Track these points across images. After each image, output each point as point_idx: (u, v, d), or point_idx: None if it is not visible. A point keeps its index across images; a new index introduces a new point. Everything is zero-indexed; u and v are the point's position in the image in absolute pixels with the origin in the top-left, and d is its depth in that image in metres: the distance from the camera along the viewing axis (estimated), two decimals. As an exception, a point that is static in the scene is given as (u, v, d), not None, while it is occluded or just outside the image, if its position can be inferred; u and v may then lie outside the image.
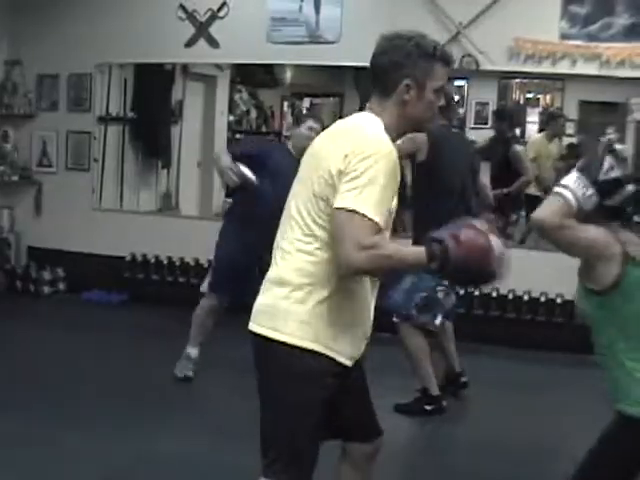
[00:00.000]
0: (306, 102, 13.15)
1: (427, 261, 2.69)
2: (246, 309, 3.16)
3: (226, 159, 6.05)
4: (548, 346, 7.20)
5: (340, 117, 10.25)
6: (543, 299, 7.45)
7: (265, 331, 2.95)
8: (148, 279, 8.61)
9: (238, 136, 11.64)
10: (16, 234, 9.13)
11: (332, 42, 7.85)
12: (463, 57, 7.43)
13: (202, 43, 8.27)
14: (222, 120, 10.89)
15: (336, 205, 2.70)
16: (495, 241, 2.70)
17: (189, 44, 8.30)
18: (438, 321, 5.72)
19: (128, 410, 5.62)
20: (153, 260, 8.60)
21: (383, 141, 2.79)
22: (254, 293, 3.08)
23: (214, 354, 6.66)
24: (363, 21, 7.75)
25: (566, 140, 9.60)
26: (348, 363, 2.94)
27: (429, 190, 5.69)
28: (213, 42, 8.23)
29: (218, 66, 10.03)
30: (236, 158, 6.07)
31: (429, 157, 5.61)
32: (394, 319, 5.77)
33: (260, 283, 3.04)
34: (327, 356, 2.88)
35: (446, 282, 5.42)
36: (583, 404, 5.86)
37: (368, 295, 2.97)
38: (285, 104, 12.94)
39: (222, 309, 6.43)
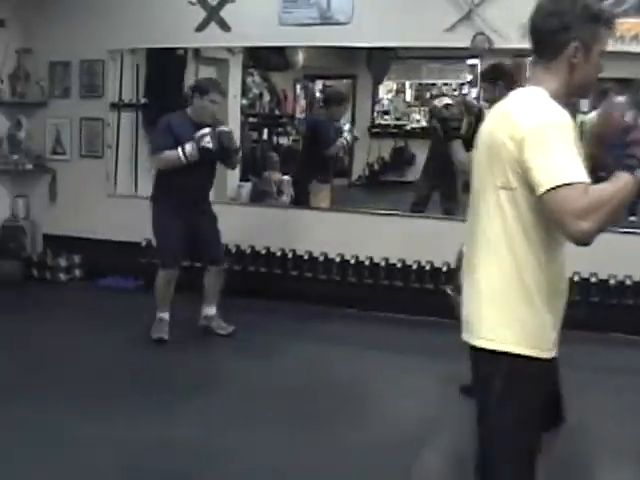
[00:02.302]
0: (319, 84, 13.17)
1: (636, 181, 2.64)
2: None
3: (176, 151, 6.59)
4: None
5: (353, 98, 10.22)
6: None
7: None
8: (163, 265, 8.59)
9: (251, 120, 11.65)
10: (31, 222, 9.15)
11: (344, 23, 7.79)
12: (476, 36, 7.37)
13: (213, 27, 8.23)
14: (235, 104, 10.86)
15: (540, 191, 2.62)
16: None
17: (200, 28, 8.27)
18: None
19: (143, 396, 5.63)
20: (168, 245, 8.58)
21: (546, 112, 2.71)
22: None
23: (232, 339, 6.67)
24: (375, 2, 7.72)
25: (580, 117, 9.53)
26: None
27: None
28: (224, 25, 8.19)
29: (230, 50, 10.00)
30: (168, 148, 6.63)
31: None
32: (448, 291, 5.77)
33: None
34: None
35: None
36: None
37: None
38: (298, 87, 12.95)
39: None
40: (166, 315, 6.94)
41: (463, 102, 9.48)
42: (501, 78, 5.71)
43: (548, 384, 2.88)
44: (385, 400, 5.98)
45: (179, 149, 6.54)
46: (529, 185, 2.65)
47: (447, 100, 6.38)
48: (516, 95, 2.87)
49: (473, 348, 2.85)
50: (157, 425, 5.11)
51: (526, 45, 6.75)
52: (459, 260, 5.64)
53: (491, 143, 2.79)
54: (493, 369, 2.80)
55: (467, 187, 3.00)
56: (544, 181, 2.59)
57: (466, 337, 2.89)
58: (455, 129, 5.62)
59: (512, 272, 2.76)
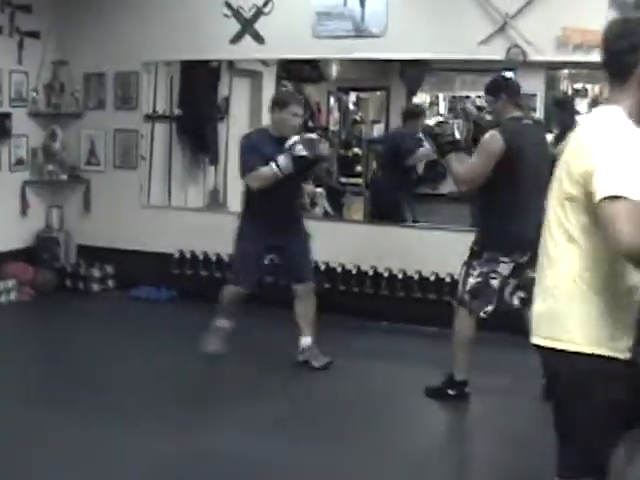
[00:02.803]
0: (352, 96, 13.13)
1: None
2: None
3: (269, 167, 6.27)
4: None
5: (387, 110, 10.18)
6: None
7: None
8: (196, 276, 8.61)
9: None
10: (65, 232, 9.19)
11: (378, 36, 7.79)
12: (510, 48, 7.35)
13: (247, 39, 8.27)
14: (269, 116, 10.87)
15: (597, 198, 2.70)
16: None
17: (234, 40, 8.29)
18: (490, 309, 5.67)
19: (173, 407, 5.66)
20: (201, 257, 8.60)
21: (614, 133, 2.79)
22: None
23: (266, 350, 6.66)
24: (409, 14, 7.72)
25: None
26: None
27: (508, 188, 5.54)
28: (258, 38, 8.21)
29: (264, 62, 10.01)
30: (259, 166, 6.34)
31: (506, 155, 5.46)
32: (453, 303, 5.87)
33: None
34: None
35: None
36: None
37: None
38: (331, 99, 12.92)
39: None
40: (225, 323, 6.65)
41: (462, 108, 9.51)
42: (502, 92, 5.70)
43: (627, 384, 2.90)
44: (424, 412, 5.97)
45: (272, 164, 6.23)
46: (591, 194, 2.73)
47: (439, 118, 6.46)
48: (593, 116, 2.99)
49: (545, 348, 2.95)
50: (192, 437, 5.11)
51: (560, 58, 6.77)
52: None
53: (565, 160, 2.93)
54: (568, 368, 2.89)
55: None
56: (602, 190, 2.67)
57: (536, 340, 2.99)
58: (448, 143, 5.65)
59: (580, 276, 2.86)
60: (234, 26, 8.27)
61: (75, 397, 5.77)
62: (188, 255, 8.64)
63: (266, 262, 6.71)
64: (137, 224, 8.87)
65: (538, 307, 3.01)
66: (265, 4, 8.15)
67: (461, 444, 5.52)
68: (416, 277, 7.87)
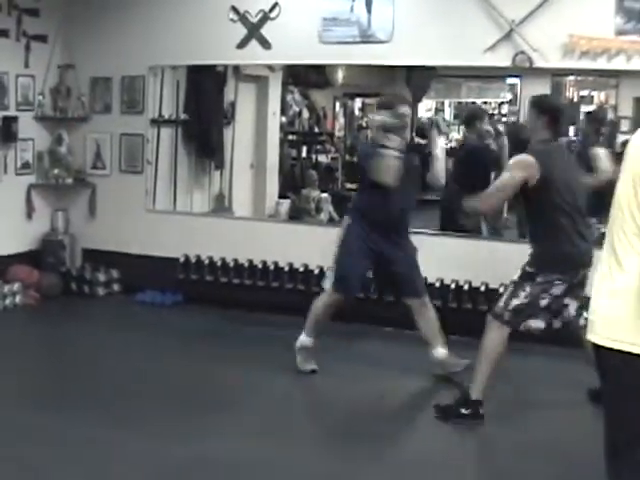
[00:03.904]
0: (358, 102, 13.15)
1: None
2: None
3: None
4: None
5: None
6: None
7: None
8: (202, 280, 8.61)
9: (290, 137, 11.67)
10: (71, 236, 9.19)
11: (384, 42, 7.79)
12: (516, 55, 7.34)
13: (254, 44, 8.26)
14: (274, 121, 10.90)
15: None
16: None
17: (241, 45, 8.29)
18: (530, 325, 5.62)
19: (179, 411, 5.65)
20: (207, 261, 8.60)
21: None
22: None
23: (270, 355, 6.66)
24: (415, 20, 7.71)
25: (621, 137, 9.47)
26: None
27: (547, 212, 5.53)
28: (265, 43, 8.21)
29: (270, 67, 10.03)
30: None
31: (541, 181, 5.42)
32: (489, 315, 5.74)
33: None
34: None
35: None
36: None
37: None
38: (337, 104, 12.94)
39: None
40: (309, 341, 6.50)
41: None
42: (546, 113, 5.65)
43: None
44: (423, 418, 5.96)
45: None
46: None
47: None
48: None
49: (599, 346, 2.96)
50: (194, 441, 5.09)
51: (566, 64, 6.76)
52: None
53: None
54: (621, 364, 2.90)
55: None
56: None
57: (593, 338, 3.00)
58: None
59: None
60: (240, 31, 8.27)
61: (78, 400, 5.78)
62: (193, 259, 8.64)
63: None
64: (142, 228, 8.88)
65: (604, 309, 2.98)
66: (272, 9, 8.15)
67: (460, 452, 5.51)
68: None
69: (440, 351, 6.47)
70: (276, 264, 8.31)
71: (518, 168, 5.46)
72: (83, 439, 5.03)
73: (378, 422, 5.68)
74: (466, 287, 7.67)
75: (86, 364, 6.72)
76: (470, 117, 9.15)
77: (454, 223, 8.01)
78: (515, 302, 5.56)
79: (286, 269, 8.28)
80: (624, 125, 9.82)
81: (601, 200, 7.62)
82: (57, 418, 5.36)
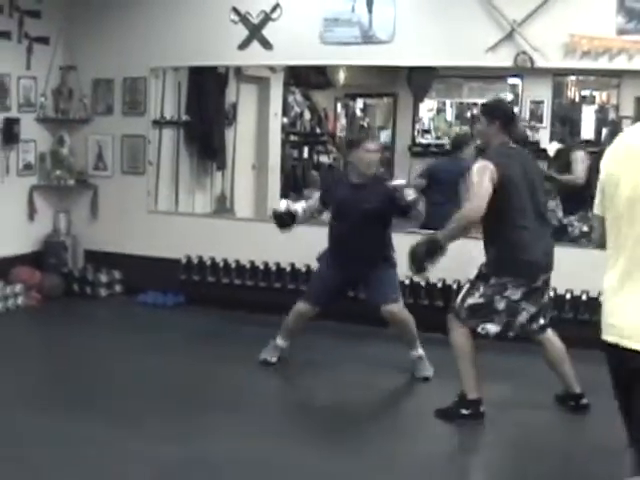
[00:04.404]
0: (359, 103, 13.16)
1: None
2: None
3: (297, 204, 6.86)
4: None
5: (394, 117, 10.19)
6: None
7: None
8: (204, 281, 8.62)
9: (292, 138, 11.68)
10: (73, 237, 9.20)
11: (385, 42, 7.79)
12: (518, 55, 7.34)
13: (255, 45, 8.26)
14: (276, 122, 10.93)
15: None
16: None
17: (242, 46, 8.29)
18: (492, 327, 5.55)
19: (178, 410, 5.65)
20: (209, 262, 8.60)
21: None
22: None
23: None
24: (417, 20, 7.72)
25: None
26: None
27: (510, 216, 5.50)
28: (266, 44, 8.22)
29: (271, 68, 10.04)
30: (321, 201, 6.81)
31: (500, 184, 5.38)
32: (448, 315, 5.74)
33: None
34: None
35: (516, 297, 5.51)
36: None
37: None
38: (339, 105, 12.96)
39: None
40: (283, 343, 6.71)
41: None
42: (497, 118, 5.62)
43: None
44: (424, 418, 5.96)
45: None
46: None
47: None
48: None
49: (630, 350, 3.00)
50: (195, 441, 5.09)
51: (567, 64, 6.76)
52: None
53: None
54: None
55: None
56: None
57: (624, 342, 3.03)
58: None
59: None
60: (242, 32, 8.28)
61: (79, 400, 5.78)
62: (195, 260, 8.64)
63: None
64: (144, 229, 8.89)
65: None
66: (273, 10, 8.16)
67: (463, 451, 5.51)
68: (422, 284, 7.84)
69: (416, 351, 6.55)
70: (278, 265, 8.32)
71: (481, 174, 5.36)
72: (83, 439, 5.02)
73: (379, 423, 5.69)
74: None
75: (87, 365, 6.71)
76: (457, 143, 9.24)
77: None
78: (470, 301, 5.57)
79: (288, 270, 8.29)
80: (626, 125, 9.84)
81: (582, 199, 7.73)
82: (58, 418, 5.36)
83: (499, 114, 5.67)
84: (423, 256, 5.47)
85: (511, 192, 5.42)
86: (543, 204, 5.74)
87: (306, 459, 4.92)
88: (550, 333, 5.76)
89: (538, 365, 5.86)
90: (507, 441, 5.43)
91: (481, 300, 5.52)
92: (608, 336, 3.09)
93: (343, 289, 6.84)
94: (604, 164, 3.16)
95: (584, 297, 7.31)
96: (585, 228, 7.84)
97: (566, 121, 9.97)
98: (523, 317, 5.58)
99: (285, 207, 6.76)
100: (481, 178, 5.34)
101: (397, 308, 6.51)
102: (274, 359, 6.66)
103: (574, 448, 5.29)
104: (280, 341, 6.69)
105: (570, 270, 6.42)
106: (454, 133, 11.65)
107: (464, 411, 5.57)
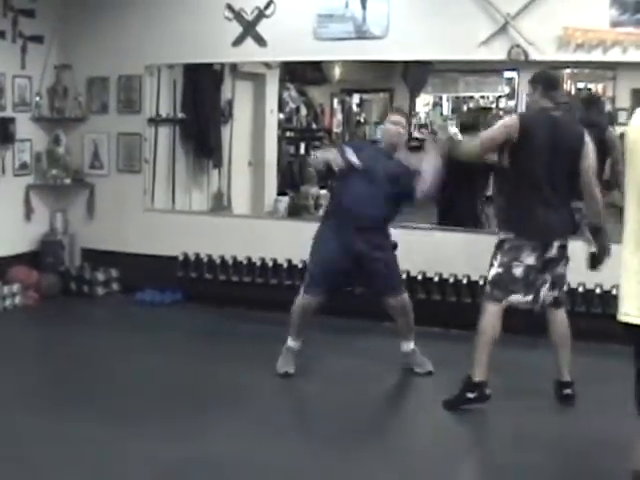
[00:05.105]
0: (356, 98, 13.17)
1: None
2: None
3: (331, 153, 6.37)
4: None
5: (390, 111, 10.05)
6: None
7: None
8: (201, 278, 8.62)
9: (288, 134, 11.68)
10: (69, 236, 9.21)
11: (379, 37, 7.79)
12: (512, 48, 7.34)
13: (249, 42, 8.26)
14: (272, 118, 10.92)
15: None
16: None
17: (236, 43, 8.29)
18: (512, 301, 5.65)
19: (178, 410, 5.64)
20: (206, 259, 8.60)
21: None
22: None
23: (270, 352, 6.66)
24: (410, 15, 7.72)
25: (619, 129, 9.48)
26: None
27: (515, 181, 5.67)
28: (260, 40, 8.21)
29: (267, 64, 10.05)
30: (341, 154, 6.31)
31: (517, 143, 5.56)
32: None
33: None
34: None
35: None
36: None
37: None
38: (335, 101, 12.96)
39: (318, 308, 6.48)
40: (295, 344, 6.48)
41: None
42: (539, 83, 5.77)
43: None
44: (420, 413, 5.97)
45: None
46: None
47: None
48: None
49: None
50: (195, 442, 5.09)
51: (561, 57, 6.78)
52: None
53: None
54: None
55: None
56: None
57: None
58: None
59: None
60: (236, 29, 8.28)
61: (78, 400, 5.79)
62: (192, 258, 8.65)
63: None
64: (141, 227, 8.89)
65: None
66: (267, 6, 8.16)
67: (469, 448, 5.51)
68: (420, 278, 7.84)
69: (409, 344, 6.54)
70: (275, 261, 8.32)
71: (501, 125, 5.72)
72: (82, 439, 5.03)
73: (379, 419, 5.71)
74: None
75: (86, 364, 6.72)
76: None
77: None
78: (492, 272, 5.67)
79: (285, 266, 8.29)
80: (622, 117, 9.84)
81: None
82: (56, 418, 5.37)
83: (540, 80, 5.80)
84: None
85: (528, 153, 5.54)
86: (559, 175, 5.67)
87: (306, 458, 4.93)
88: (562, 313, 5.83)
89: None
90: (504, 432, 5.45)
91: (500, 270, 5.62)
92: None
93: (347, 272, 6.44)
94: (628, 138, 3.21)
95: (598, 290, 7.28)
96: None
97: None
98: (544, 287, 5.70)
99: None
100: (499, 127, 5.68)
101: (407, 298, 6.52)
102: (292, 369, 6.42)
103: (571, 441, 5.31)
104: (291, 342, 6.49)
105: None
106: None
107: (470, 394, 5.62)
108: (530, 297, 5.66)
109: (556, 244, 5.64)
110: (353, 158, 6.18)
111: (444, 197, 7.41)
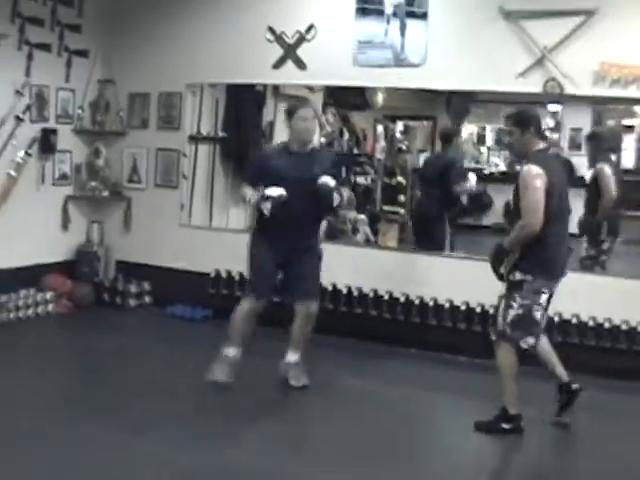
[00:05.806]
0: (400, 125, 13.22)
1: None
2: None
3: (249, 192, 6.41)
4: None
5: (432, 140, 10.26)
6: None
7: None
8: (232, 296, 8.64)
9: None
10: (105, 248, 9.35)
11: (417, 65, 7.84)
12: (547, 81, 7.36)
13: (289, 64, 8.36)
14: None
15: None
16: None
17: (277, 65, 8.40)
18: (531, 341, 5.71)
19: (198, 420, 5.75)
20: (237, 277, 8.66)
21: None
22: None
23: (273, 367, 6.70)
24: (448, 45, 7.75)
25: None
26: None
27: (548, 218, 5.58)
28: (300, 64, 8.31)
29: (310, 88, 10.09)
30: (253, 183, 6.45)
31: (547, 191, 5.56)
32: (492, 337, 5.87)
33: None
34: None
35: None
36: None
37: None
38: (378, 127, 13.02)
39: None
40: (232, 351, 6.45)
41: None
42: (531, 125, 5.78)
43: None
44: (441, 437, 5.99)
45: (249, 195, 6.43)
46: None
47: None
48: None
49: None
50: (210, 450, 5.18)
51: (596, 92, 6.78)
52: None
53: None
54: None
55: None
56: None
57: None
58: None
59: None
60: (277, 51, 8.38)
61: (105, 407, 5.89)
62: (224, 275, 8.72)
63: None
64: (175, 243, 9.00)
65: None
66: (308, 30, 8.25)
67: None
68: (447, 306, 7.86)
69: (294, 356, 6.61)
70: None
71: (536, 182, 5.52)
72: (108, 445, 5.17)
73: (392, 439, 5.72)
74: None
75: (114, 373, 6.85)
76: (446, 137, 9.67)
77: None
78: (512, 313, 5.68)
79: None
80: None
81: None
82: (85, 424, 5.48)
83: (531, 121, 5.80)
84: (493, 260, 5.76)
85: (554, 197, 5.57)
86: (568, 211, 5.91)
87: (322, 469, 4.98)
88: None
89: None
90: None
91: (520, 311, 5.66)
92: None
93: (277, 273, 6.62)
94: None
95: (624, 327, 7.29)
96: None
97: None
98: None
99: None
100: (537, 187, 5.51)
101: (316, 309, 6.61)
102: (226, 378, 6.31)
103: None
104: (231, 350, 6.47)
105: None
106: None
107: (505, 425, 5.73)
108: (535, 339, 5.76)
109: (559, 280, 5.78)
110: (273, 194, 6.17)
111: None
